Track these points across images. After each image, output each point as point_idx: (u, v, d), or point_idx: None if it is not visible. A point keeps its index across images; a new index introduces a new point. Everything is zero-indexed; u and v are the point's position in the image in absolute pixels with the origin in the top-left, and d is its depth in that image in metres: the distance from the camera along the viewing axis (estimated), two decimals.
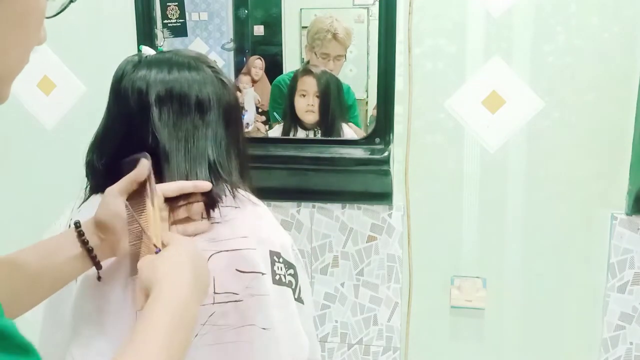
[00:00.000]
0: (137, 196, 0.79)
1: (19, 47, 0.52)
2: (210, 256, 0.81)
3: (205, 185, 0.82)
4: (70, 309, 0.85)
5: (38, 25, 0.54)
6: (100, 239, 0.78)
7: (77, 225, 0.78)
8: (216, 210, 0.84)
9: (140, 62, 0.87)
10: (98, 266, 0.78)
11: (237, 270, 0.81)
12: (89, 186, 0.90)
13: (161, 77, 0.85)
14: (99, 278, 0.80)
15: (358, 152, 1.50)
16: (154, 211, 0.77)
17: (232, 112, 0.90)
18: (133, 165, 0.80)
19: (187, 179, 0.83)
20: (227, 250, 0.82)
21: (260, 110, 1.76)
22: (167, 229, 0.81)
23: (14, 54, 0.52)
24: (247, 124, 1.72)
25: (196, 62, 0.88)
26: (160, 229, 0.77)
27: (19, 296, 0.75)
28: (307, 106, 1.63)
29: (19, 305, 0.75)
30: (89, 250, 0.77)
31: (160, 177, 0.83)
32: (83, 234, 0.77)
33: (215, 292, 0.80)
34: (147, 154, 0.81)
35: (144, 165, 0.79)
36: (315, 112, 1.63)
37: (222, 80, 0.90)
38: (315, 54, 1.64)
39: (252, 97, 1.74)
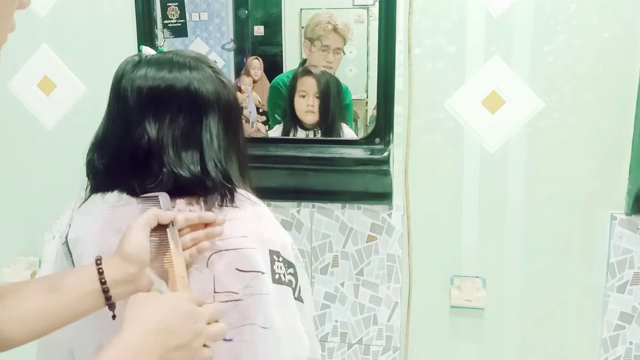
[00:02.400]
0: (158, 230, 0.79)
1: None
2: (210, 255, 0.82)
3: (209, 217, 0.82)
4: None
5: None
6: (123, 274, 0.75)
7: (99, 262, 0.75)
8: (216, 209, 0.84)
9: (141, 62, 0.87)
10: (112, 306, 0.75)
11: (237, 269, 0.81)
12: (89, 186, 0.90)
13: (161, 76, 0.85)
14: (113, 317, 0.76)
15: (358, 152, 1.50)
16: (178, 254, 0.78)
17: (231, 112, 0.90)
18: (151, 201, 0.81)
19: (186, 179, 0.83)
20: (227, 250, 0.82)
21: (260, 110, 1.76)
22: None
23: None
24: (253, 123, 1.72)
25: (196, 62, 0.88)
26: (184, 270, 0.78)
27: (23, 327, 0.72)
28: (307, 107, 1.63)
29: (20, 337, 0.72)
30: (105, 290, 0.74)
31: (159, 176, 0.84)
32: (102, 272, 0.74)
33: (215, 292, 0.80)
34: (165, 193, 0.82)
35: (166, 204, 0.80)
36: (315, 113, 1.63)
37: (222, 80, 0.90)
38: (314, 46, 1.65)
39: (252, 99, 1.74)
